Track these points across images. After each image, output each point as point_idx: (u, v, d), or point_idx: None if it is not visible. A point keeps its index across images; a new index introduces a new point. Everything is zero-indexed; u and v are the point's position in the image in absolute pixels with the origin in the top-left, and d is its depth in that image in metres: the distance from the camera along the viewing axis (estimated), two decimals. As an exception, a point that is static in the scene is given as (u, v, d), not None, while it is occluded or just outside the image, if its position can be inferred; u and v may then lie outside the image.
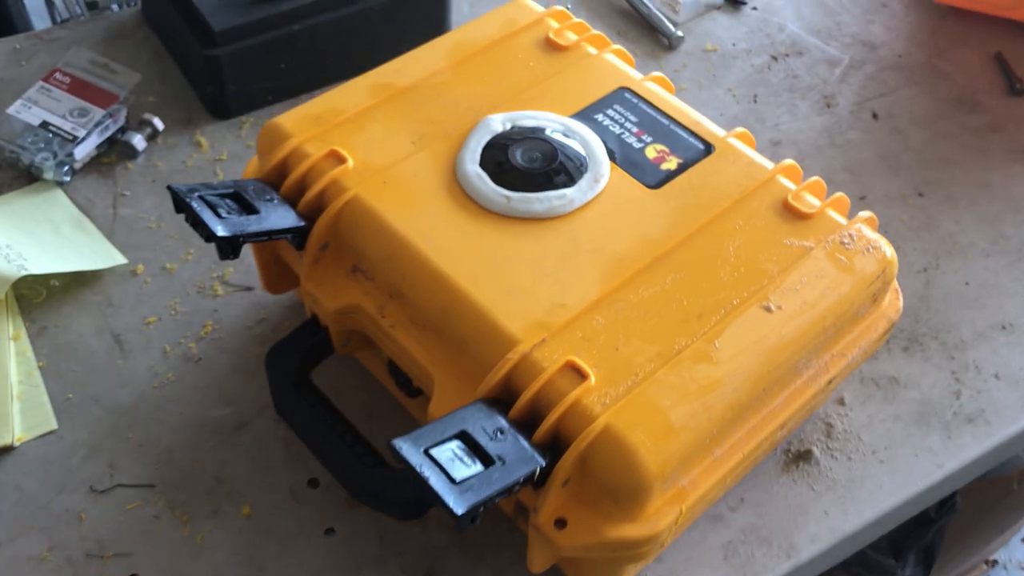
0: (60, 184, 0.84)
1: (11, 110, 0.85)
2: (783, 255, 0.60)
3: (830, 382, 0.61)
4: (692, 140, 0.67)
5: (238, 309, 0.78)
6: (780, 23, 1.07)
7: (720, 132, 0.68)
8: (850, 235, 0.62)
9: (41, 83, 0.87)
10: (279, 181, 0.65)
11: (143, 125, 0.88)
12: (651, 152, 0.66)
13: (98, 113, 0.85)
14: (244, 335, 0.76)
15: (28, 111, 0.85)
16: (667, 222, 0.62)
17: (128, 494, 0.68)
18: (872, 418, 0.74)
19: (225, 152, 0.89)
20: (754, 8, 1.09)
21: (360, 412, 0.71)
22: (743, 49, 1.04)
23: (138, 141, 0.86)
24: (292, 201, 0.64)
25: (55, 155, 0.83)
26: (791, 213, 0.63)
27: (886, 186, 0.92)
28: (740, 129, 0.68)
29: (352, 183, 0.63)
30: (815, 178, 0.66)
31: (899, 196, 0.91)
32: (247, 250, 0.68)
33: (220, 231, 0.57)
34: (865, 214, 0.64)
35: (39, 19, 1.26)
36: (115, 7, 1.04)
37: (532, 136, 0.65)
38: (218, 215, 0.58)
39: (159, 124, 0.88)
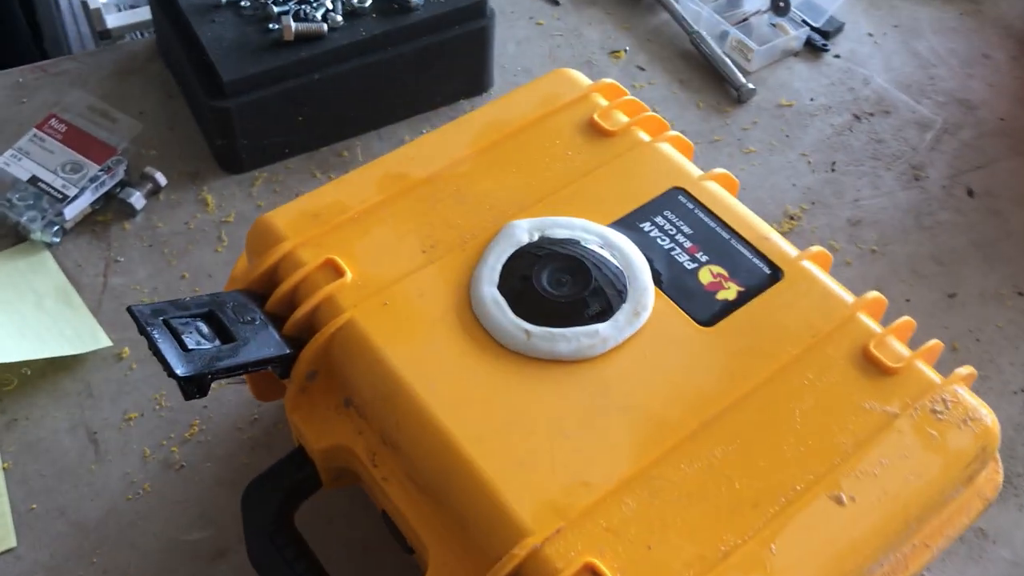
0: (49, 246, 0.76)
1: (0, 162, 0.77)
2: (861, 424, 0.49)
3: (911, 580, 0.50)
4: (757, 262, 0.56)
5: (229, 406, 0.69)
6: (866, 75, 0.95)
7: (791, 251, 0.57)
8: (943, 400, 0.51)
9: (35, 131, 0.79)
10: (268, 289, 0.55)
11: (144, 179, 0.79)
12: (706, 276, 0.55)
13: (92, 169, 0.76)
14: (233, 439, 0.68)
15: (18, 163, 0.77)
16: (720, 373, 0.51)
17: (86, 633, 0.59)
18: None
19: (233, 213, 0.80)
20: (836, 56, 0.97)
21: (353, 545, 0.62)
22: (822, 105, 0.92)
23: (136, 199, 0.78)
24: (281, 315, 0.54)
25: (44, 214, 0.75)
26: (873, 366, 0.52)
27: (981, 281, 0.79)
28: (816, 248, 0.57)
29: (349, 302, 0.53)
30: (904, 319, 0.54)
31: (995, 295, 0.78)
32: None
33: (181, 370, 0.48)
34: (963, 371, 0.52)
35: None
36: (132, 36, 0.96)
37: (563, 251, 0.54)
38: (183, 346, 0.49)
39: (161, 179, 0.80)
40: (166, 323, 0.50)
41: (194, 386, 0.49)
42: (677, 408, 0.50)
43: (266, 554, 0.54)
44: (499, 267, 0.54)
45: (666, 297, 0.54)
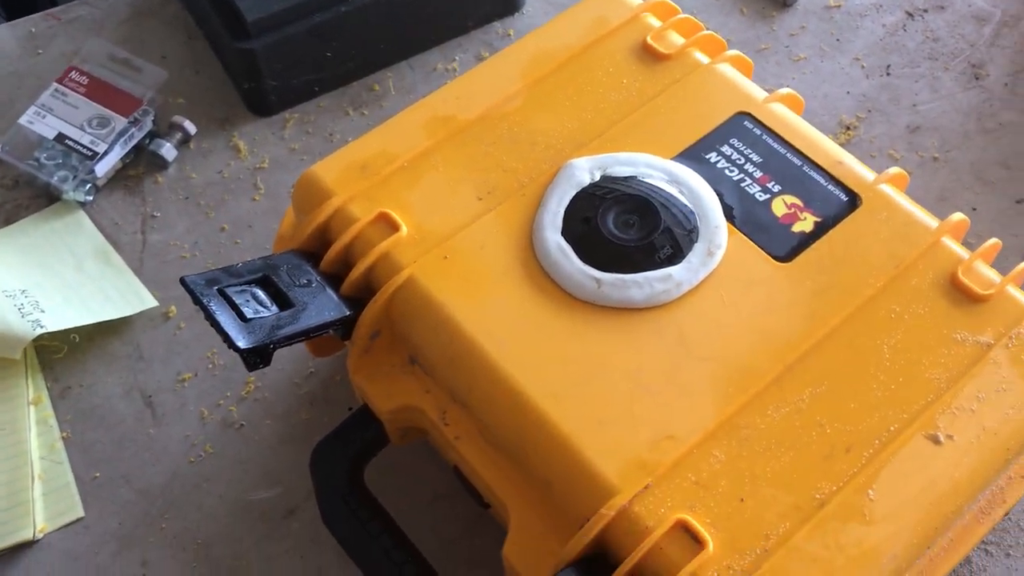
0: (83, 205, 0.74)
1: (24, 120, 0.74)
2: (953, 357, 0.47)
3: (1006, 513, 0.48)
4: (832, 189, 0.53)
5: (284, 361, 0.68)
6: (917, -32, 0.89)
7: (867, 175, 0.53)
8: (1040, 327, 0.48)
9: (56, 85, 0.75)
10: (321, 248, 0.53)
11: (173, 129, 0.76)
12: (779, 207, 0.52)
13: (120, 122, 0.74)
14: (291, 395, 0.66)
15: (42, 121, 0.74)
16: (802, 311, 0.49)
17: (163, 599, 0.59)
18: (1037, 501, 0.61)
19: (266, 158, 0.77)
20: (885, -51, 0.91)
21: (422, 498, 0.61)
22: (872, 4, 0.87)
23: (167, 150, 0.75)
24: (336, 275, 0.52)
25: (75, 173, 0.73)
26: (962, 294, 0.49)
27: (1052, 185, 0.76)
28: (895, 170, 0.54)
29: (407, 258, 0.51)
30: (992, 241, 0.51)
31: (1068, 198, 0.75)
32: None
33: (243, 343, 0.46)
34: (1060, 292, 0.49)
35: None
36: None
37: (627, 191, 0.51)
38: (242, 316, 0.47)
39: (191, 128, 0.77)
40: (221, 292, 0.48)
41: (256, 357, 0.47)
42: (759, 352, 0.47)
43: (341, 516, 0.53)
44: (561, 211, 0.51)
45: (739, 233, 0.51)
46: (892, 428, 0.45)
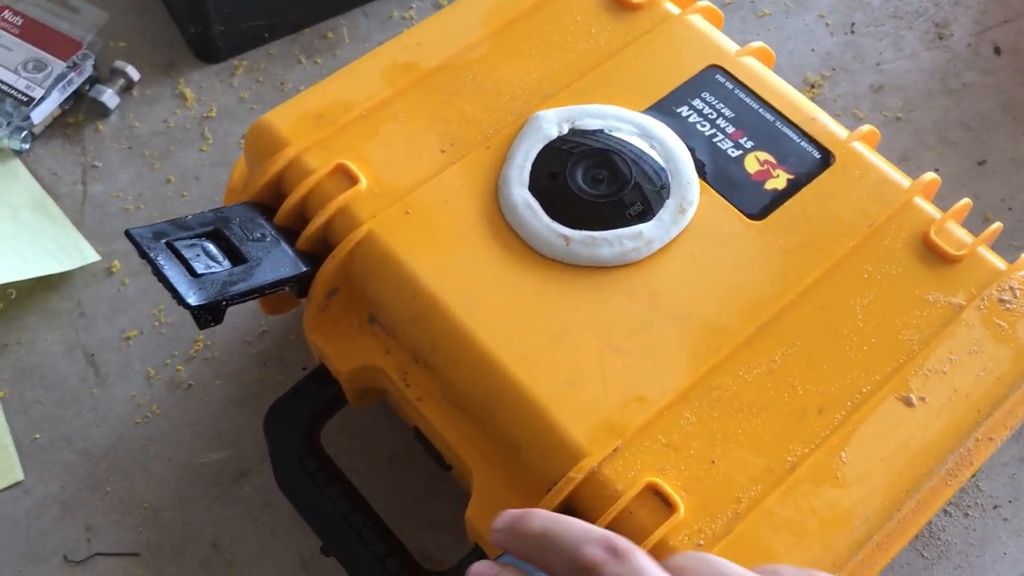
0: (18, 153, 0.70)
1: (-47, 62, 0.70)
2: (925, 318, 0.47)
3: (972, 475, 0.48)
4: (805, 145, 0.51)
5: (235, 318, 0.65)
6: (882, -77, 0.88)
7: (840, 132, 0.52)
8: (1011, 288, 0.48)
9: (-13, 25, 0.71)
10: (275, 201, 0.51)
11: (114, 75, 0.73)
12: (752, 164, 0.51)
13: (58, 66, 0.70)
14: (243, 354, 0.64)
15: (-27, 63, 0.70)
16: (774, 270, 0.47)
17: (109, 565, 0.57)
18: (994, 462, 0.62)
19: (214, 107, 0.73)
20: (850, -96, 0.90)
21: (378, 459, 0.60)
22: (837, -41, 0.86)
23: (108, 97, 0.72)
24: (292, 229, 0.50)
25: (9, 119, 0.69)
26: (934, 254, 0.48)
27: (1012, 147, 0.75)
28: (867, 128, 0.53)
29: (366, 212, 0.49)
30: (963, 201, 0.51)
31: (1028, 160, 0.75)
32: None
33: (194, 299, 0.43)
34: (1030, 255, 0.49)
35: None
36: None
37: (596, 145, 0.50)
38: (192, 272, 0.45)
39: (134, 74, 0.73)
40: (169, 246, 0.46)
41: (208, 314, 0.44)
42: (731, 311, 0.46)
43: (297, 480, 0.51)
44: (528, 166, 0.49)
45: (711, 190, 0.50)
46: (864, 390, 0.45)
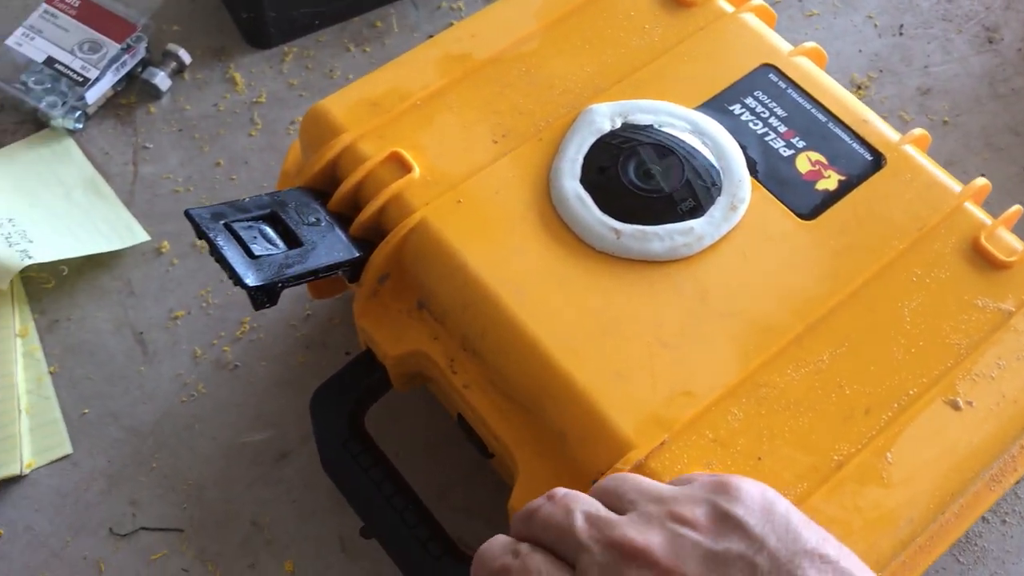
0: (71, 132, 0.71)
1: (11, 41, 0.71)
2: (974, 323, 0.47)
3: (1016, 481, 0.48)
4: (857, 147, 0.51)
5: (281, 301, 0.64)
6: (934, -74, 0.88)
7: (892, 135, 0.52)
8: (1062, 296, 0.47)
9: (45, 6, 0.72)
10: (329, 187, 0.51)
11: (167, 58, 0.74)
12: (803, 164, 0.51)
13: (112, 48, 0.71)
14: (287, 337, 0.65)
15: (30, 43, 0.71)
16: (825, 270, 0.48)
17: (153, 539, 0.58)
18: (1034, 469, 0.61)
19: (264, 92, 0.74)
20: (902, -95, 0.89)
21: (419, 444, 0.60)
22: (887, -39, 0.85)
23: (161, 80, 0.73)
24: (346, 214, 0.51)
25: (64, 99, 0.70)
26: (984, 260, 0.48)
27: (1060, 154, 0.75)
28: (918, 131, 0.53)
29: (419, 200, 0.49)
30: (1015, 208, 0.51)
31: (1077, 168, 0.74)
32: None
33: (251, 279, 0.44)
34: (1082, 264, 0.49)
35: None
36: None
37: (649, 140, 0.50)
38: (250, 253, 0.46)
39: (186, 57, 0.74)
40: (228, 227, 0.46)
41: (264, 295, 0.45)
42: (780, 310, 0.46)
43: (341, 463, 0.52)
44: (580, 159, 0.50)
45: (763, 188, 0.50)
46: (912, 392, 0.45)
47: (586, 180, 0.49)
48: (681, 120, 0.51)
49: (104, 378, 0.63)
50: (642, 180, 0.49)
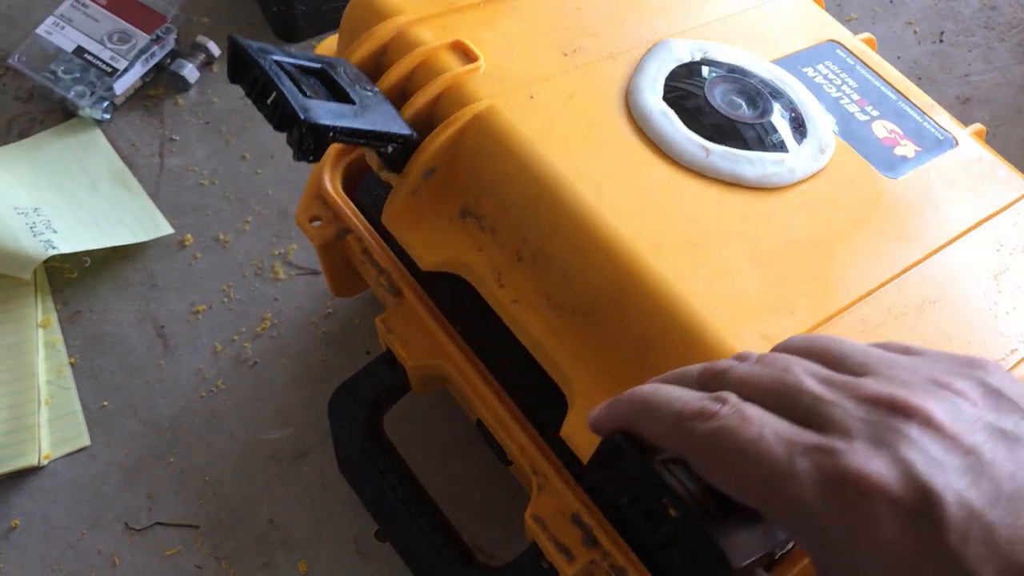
0: (99, 123, 0.69)
1: (41, 30, 0.69)
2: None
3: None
4: (928, 126, 0.49)
5: (301, 298, 0.62)
6: (972, -61, 0.87)
7: (955, 125, 0.50)
8: None
9: (75, -3, 0.71)
10: (375, 75, 0.46)
11: (195, 50, 0.72)
12: (880, 129, 0.48)
13: (142, 39, 0.69)
14: (307, 334, 0.61)
15: (61, 32, 0.69)
16: (904, 230, 0.45)
17: (168, 535, 0.54)
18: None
19: (294, 92, 0.72)
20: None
21: (437, 446, 0.57)
22: (925, -26, 0.84)
23: (189, 72, 0.71)
24: (393, 102, 0.45)
25: (93, 89, 0.68)
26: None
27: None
28: (978, 126, 0.51)
29: (485, 91, 0.44)
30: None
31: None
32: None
33: (307, 115, 0.38)
34: None
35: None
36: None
37: (733, 73, 0.47)
38: (302, 92, 0.39)
39: (214, 49, 0.72)
40: (278, 64, 0.40)
41: (312, 140, 0.38)
42: (867, 259, 0.43)
43: (357, 464, 0.48)
44: (661, 79, 0.46)
45: (845, 143, 0.47)
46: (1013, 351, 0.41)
47: (668, 100, 0.45)
48: (761, 67, 0.49)
49: (124, 370, 0.59)
50: (729, 106, 0.46)
